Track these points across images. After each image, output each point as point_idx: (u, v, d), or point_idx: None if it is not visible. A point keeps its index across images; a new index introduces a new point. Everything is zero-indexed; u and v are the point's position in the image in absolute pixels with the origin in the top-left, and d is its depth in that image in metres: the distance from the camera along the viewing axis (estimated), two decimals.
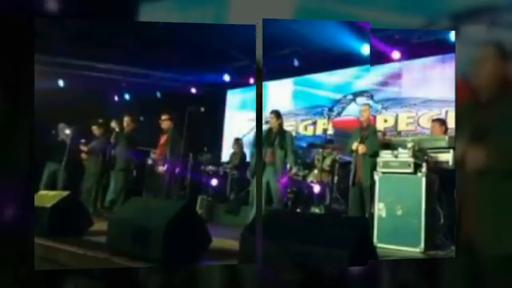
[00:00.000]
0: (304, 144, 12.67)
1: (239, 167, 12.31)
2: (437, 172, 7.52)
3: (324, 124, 13.15)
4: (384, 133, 10.79)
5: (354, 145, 8.26)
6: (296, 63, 14.36)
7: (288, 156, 9.33)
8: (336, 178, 10.08)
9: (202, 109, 10.94)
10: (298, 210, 10.24)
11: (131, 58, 13.98)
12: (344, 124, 12.66)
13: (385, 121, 12.80)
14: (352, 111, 13.39)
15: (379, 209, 7.55)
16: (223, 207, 11.59)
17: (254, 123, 9.00)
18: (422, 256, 6.92)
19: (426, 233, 7.09)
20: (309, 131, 14.76)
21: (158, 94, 17.13)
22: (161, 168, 10.55)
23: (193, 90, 16.73)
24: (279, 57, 13.83)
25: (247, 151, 12.86)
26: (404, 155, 7.50)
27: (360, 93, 13.73)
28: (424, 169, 7.33)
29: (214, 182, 12.28)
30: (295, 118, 15.08)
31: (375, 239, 7.30)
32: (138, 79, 15.80)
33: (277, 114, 9.50)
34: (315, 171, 10.82)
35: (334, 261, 4.62)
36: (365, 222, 5.67)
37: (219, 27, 9.82)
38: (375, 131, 8.60)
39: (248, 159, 12.40)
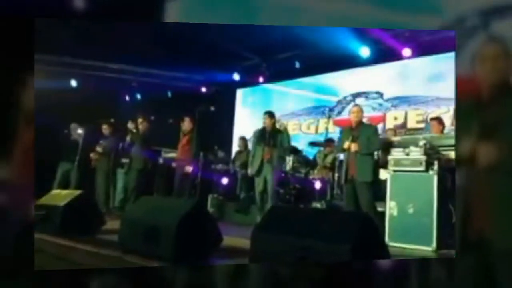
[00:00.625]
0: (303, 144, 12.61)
1: (247, 166, 11.74)
2: (449, 170, 6.94)
3: (325, 123, 12.69)
4: (394, 131, 10.59)
5: (346, 144, 7.85)
6: (297, 65, 14.15)
7: (284, 153, 9.53)
8: (336, 175, 9.78)
9: (212, 108, 10.50)
10: (300, 205, 10.01)
11: (143, 58, 13.54)
12: (344, 123, 11.82)
13: (395, 118, 12.49)
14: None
15: (391, 207, 7.01)
16: (233, 205, 11.18)
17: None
18: (434, 255, 6.36)
19: (438, 231, 6.53)
20: (311, 130, 14.54)
21: (169, 94, 16.76)
22: (186, 168, 10.19)
23: (203, 90, 16.37)
24: (280, 60, 13.97)
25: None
26: (416, 153, 6.94)
27: (359, 95, 13.46)
28: (436, 167, 6.79)
29: (224, 180, 11.78)
30: (298, 118, 14.93)
31: (386, 238, 6.77)
32: (149, 79, 15.39)
33: (270, 114, 9.46)
34: (317, 168, 10.83)
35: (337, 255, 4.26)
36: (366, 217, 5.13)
37: (229, 27, 9.36)
38: (376, 131, 8.20)
39: None
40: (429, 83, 11.92)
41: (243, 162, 12.03)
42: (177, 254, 4.98)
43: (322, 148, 11.12)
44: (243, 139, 12.81)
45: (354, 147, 7.72)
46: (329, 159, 10.64)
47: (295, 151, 11.06)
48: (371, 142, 7.68)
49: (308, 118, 14.73)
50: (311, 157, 11.61)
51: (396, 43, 11.69)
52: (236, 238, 6.56)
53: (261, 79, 15.18)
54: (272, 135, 9.27)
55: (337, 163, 9.76)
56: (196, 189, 10.41)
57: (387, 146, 7.62)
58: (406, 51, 11.82)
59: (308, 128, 14.64)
